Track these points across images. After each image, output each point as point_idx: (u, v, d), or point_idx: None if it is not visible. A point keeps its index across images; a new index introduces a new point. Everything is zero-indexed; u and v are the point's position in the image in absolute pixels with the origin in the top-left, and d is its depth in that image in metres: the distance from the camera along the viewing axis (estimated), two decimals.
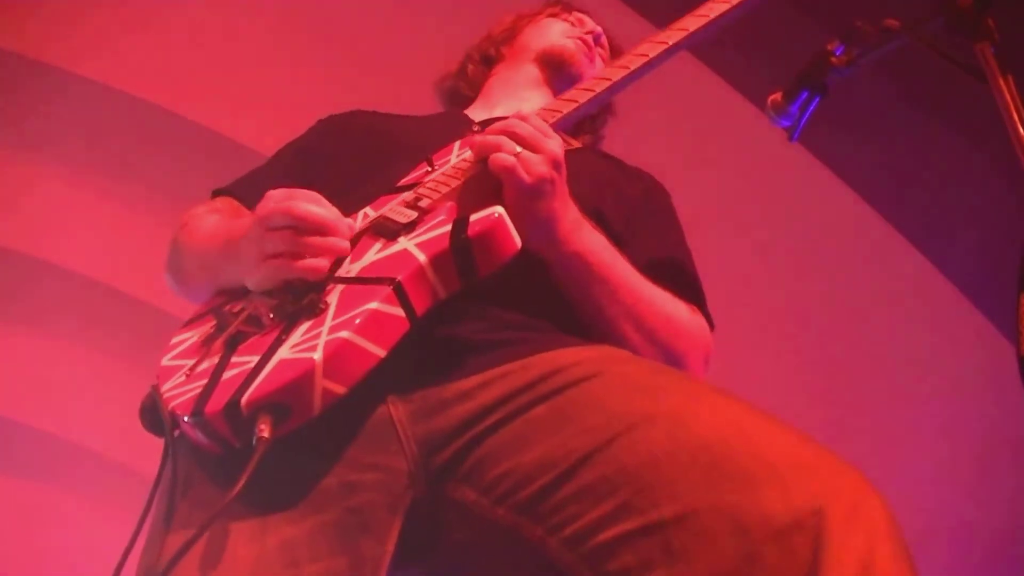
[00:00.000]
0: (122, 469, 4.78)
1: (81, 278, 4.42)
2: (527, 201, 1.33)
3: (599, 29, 1.90)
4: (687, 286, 1.56)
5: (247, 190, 1.62)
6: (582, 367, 1.28)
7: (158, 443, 1.37)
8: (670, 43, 1.51)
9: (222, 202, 1.62)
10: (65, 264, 4.40)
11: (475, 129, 1.65)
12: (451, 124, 1.73)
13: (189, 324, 1.40)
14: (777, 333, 4.04)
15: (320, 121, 1.77)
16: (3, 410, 4.90)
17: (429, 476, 1.26)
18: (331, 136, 1.72)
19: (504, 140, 1.34)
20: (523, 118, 1.38)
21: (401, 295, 1.23)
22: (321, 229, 1.29)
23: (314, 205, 1.30)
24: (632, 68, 1.49)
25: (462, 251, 1.25)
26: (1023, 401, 1.30)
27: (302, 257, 1.28)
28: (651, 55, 1.50)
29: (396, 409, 1.28)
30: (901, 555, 1.09)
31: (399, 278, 1.23)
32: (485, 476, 1.24)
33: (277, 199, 1.31)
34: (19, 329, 4.72)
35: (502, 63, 1.93)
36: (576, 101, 1.48)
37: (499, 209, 1.27)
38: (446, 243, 1.26)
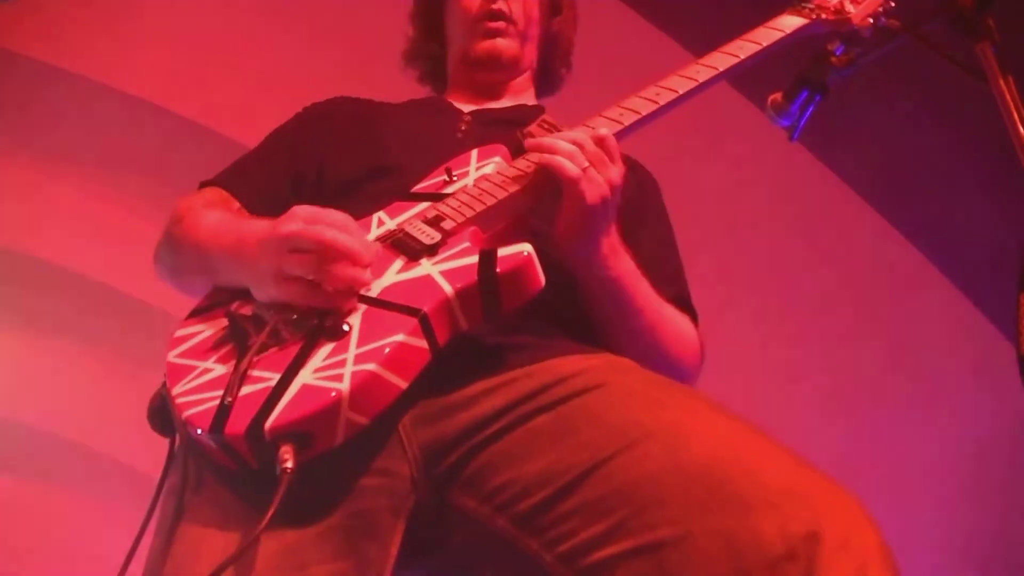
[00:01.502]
0: (122, 469, 4.78)
1: (81, 278, 4.42)
2: (586, 218, 1.33)
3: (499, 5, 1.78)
4: (676, 284, 1.59)
5: (237, 182, 1.61)
6: (585, 377, 1.27)
7: (157, 442, 1.37)
8: (700, 80, 1.49)
9: (213, 193, 1.59)
10: (65, 264, 4.40)
11: (466, 120, 1.66)
12: (440, 113, 1.72)
13: (194, 317, 1.37)
14: (776, 331, 4.04)
15: (304, 109, 1.75)
16: (3, 410, 4.90)
17: (432, 481, 1.26)
18: (317, 127, 1.70)
19: (577, 153, 1.33)
20: (600, 139, 1.36)
21: (426, 327, 1.22)
22: (348, 258, 1.25)
23: (343, 233, 1.26)
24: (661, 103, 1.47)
25: (489, 287, 1.24)
26: (1022, 401, 1.30)
27: (322, 285, 1.25)
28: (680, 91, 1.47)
29: (401, 415, 1.27)
30: None
31: (425, 310, 1.22)
32: (486, 485, 1.24)
33: (304, 220, 1.27)
34: (19, 329, 4.72)
35: (448, 50, 1.89)
36: (638, 112, 1.45)
37: (527, 247, 1.25)
38: (474, 277, 1.24)
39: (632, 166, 1.72)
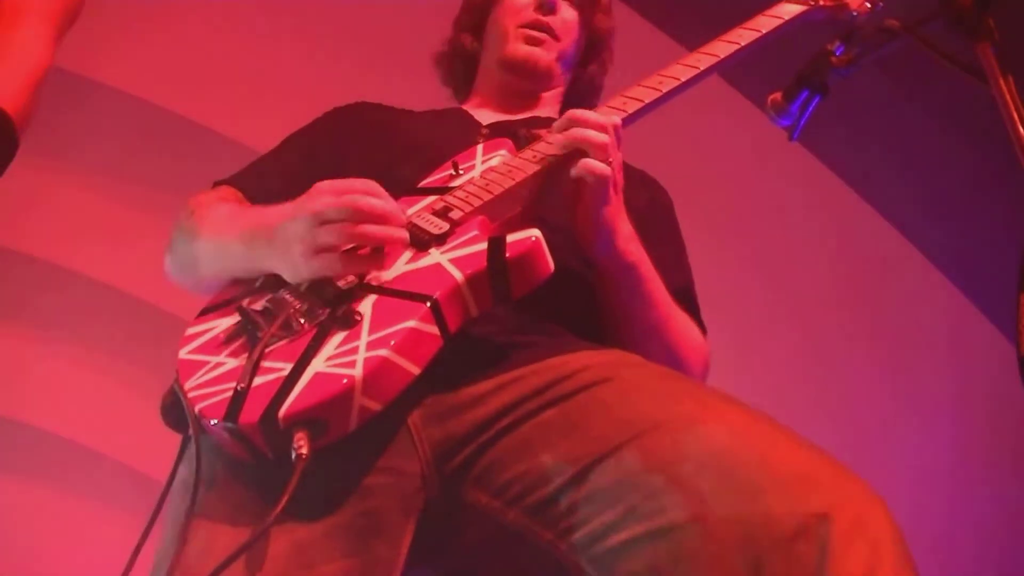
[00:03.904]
0: (122, 469, 4.78)
1: (82, 278, 4.42)
2: (601, 209, 1.35)
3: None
4: (687, 298, 1.60)
5: (251, 182, 1.61)
6: (593, 371, 1.28)
7: (158, 442, 1.36)
8: (701, 67, 1.51)
9: (227, 191, 1.60)
10: (66, 264, 4.40)
11: (484, 132, 1.67)
12: (459, 124, 1.73)
13: (205, 315, 1.38)
14: (777, 331, 4.05)
15: (326, 114, 1.76)
16: (3, 410, 4.90)
17: (442, 479, 1.27)
18: (338, 129, 1.71)
19: (608, 144, 1.34)
20: (613, 127, 1.38)
21: (437, 313, 1.22)
22: (381, 219, 1.26)
23: (373, 198, 1.27)
24: (662, 91, 1.49)
25: (499, 272, 1.25)
26: (1023, 401, 1.30)
27: (358, 250, 1.26)
28: (682, 78, 1.50)
29: (409, 412, 1.28)
30: (905, 563, 1.09)
31: (436, 296, 1.23)
32: (497, 479, 1.24)
33: (332, 193, 1.28)
34: (20, 329, 4.72)
35: (483, 55, 1.91)
36: (641, 100, 1.48)
37: (536, 232, 1.26)
38: (483, 263, 1.25)
39: (646, 181, 1.73)
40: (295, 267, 1.30)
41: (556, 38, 1.81)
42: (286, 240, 1.30)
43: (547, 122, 1.72)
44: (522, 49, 1.80)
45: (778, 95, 1.58)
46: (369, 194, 1.27)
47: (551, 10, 1.80)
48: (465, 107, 1.86)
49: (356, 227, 1.25)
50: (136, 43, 3.72)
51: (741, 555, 1.09)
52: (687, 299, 1.59)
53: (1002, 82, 1.31)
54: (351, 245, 1.26)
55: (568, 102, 1.89)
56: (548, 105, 1.85)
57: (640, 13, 3.40)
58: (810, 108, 1.57)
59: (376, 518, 1.22)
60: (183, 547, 1.21)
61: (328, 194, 1.28)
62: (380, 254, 1.27)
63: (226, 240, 1.42)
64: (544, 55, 1.80)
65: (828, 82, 1.55)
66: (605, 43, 1.94)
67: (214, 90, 3.80)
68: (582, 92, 1.92)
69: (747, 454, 1.16)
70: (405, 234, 1.28)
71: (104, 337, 4.64)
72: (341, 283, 1.28)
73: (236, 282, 1.41)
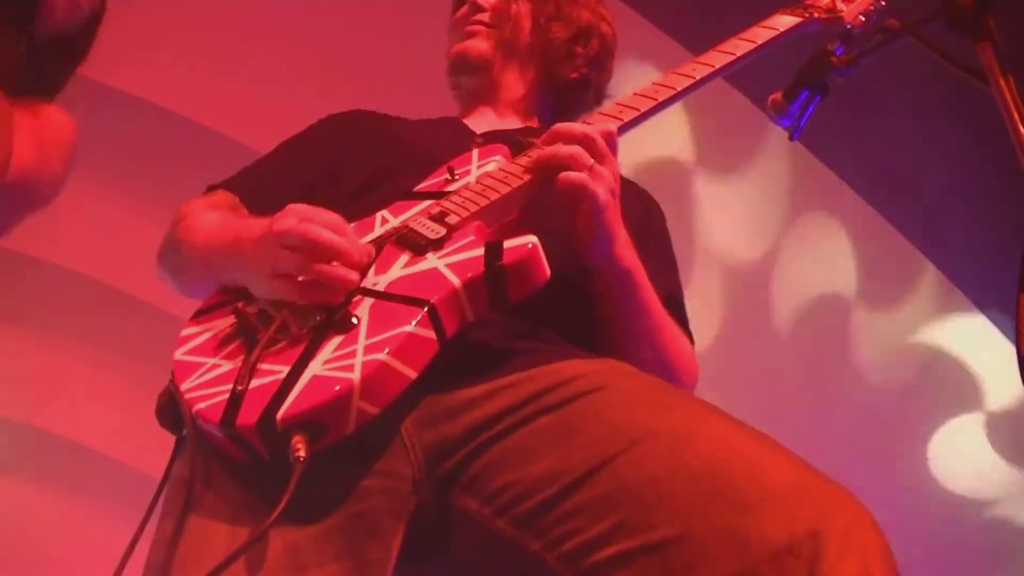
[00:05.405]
0: (122, 469, 4.78)
1: (82, 278, 4.42)
2: (601, 215, 1.35)
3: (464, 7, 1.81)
4: (677, 308, 1.60)
5: (245, 187, 1.61)
6: (587, 379, 1.28)
7: (157, 441, 1.36)
8: (696, 77, 1.52)
9: (220, 197, 1.60)
10: (66, 264, 4.40)
11: (478, 141, 1.65)
12: (454, 132, 1.73)
13: (200, 317, 1.38)
14: (778, 330, 4.05)
15: (321, 120, 1.76)
16: (8, 412, 4.91)
17: (434, 483, 1.26)
18: (333, 136, 1.71)
19: (579, 152, 1.34)
20: (607, 134, 1.37)
21: (434, 318, 1.23)
22: (337, 257, 1.26)
23: (330, 232, 1.27)
24: (659, 99, 1.49)
25: (496, 278, 1.25)
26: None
27: (312, 282, 1.26)
28: (679, 87, 1.50)
29: (404, 416, 1.28)
30: None
31: (433, 300, 1.23)
32: (487, 486, 1.24)
33: (299, 216, 1.28)
34: (20, 329, 4.72)
35: None
36: (637, 109, 1.48)
37: (533, 239, 1.27)
38: (480, 269, 1.26)
39: (639, 194, 1.73)
40: (259, 285, 1.31)
41: (489, 25, 1.78)
42: (253, 257, 1.31)
43: (540, 131, 1.72)
44: (455, 46, 1.80)
45: (778, 95, 1.58)
46: (331, 229, 1.27)
47: (475, 9, 1.78)
48: (462, 118, 1.85)
49: (310, 262, 1.25)
50: (152, 49, 3.72)
51: (732, 569, 1.09)
52: (676, 308, 1.59)
53: (1002, 82, 1.31)
54: (305, 275, 1.26)
55: (542, 96, 1.84)
56: (521, 111, 1.81)
57: (640, 12, 3.41)
58: (810, 108, 1.57)
59: (368, 521, 1.22)
60: (178, 544, 1.22)
61: (293, 217, 1.28)
62: (335, 288, 1.26)
63: (207, 252, 1.43)
64: (476, 44, 1.78)
65: (828, 82, 1.55)
66: (587, 39, 1.85)
67: (230, 97, 3.80)
68: (566, 95, 1.85)
69: (740, 468, 1.15)
70: (356, 276, 1.28)
71: (105, 337, 4.65)
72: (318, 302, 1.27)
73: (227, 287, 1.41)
